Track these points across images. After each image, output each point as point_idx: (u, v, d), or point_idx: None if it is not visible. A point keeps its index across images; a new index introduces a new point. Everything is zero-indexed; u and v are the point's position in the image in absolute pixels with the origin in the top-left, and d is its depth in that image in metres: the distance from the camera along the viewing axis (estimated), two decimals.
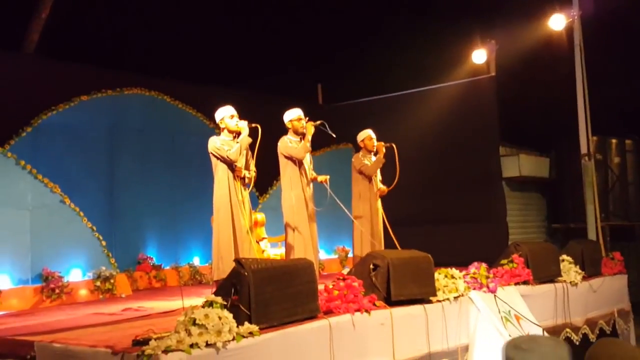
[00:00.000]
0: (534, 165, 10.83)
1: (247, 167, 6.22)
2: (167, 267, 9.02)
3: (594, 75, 9.17)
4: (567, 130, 9.90)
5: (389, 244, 7.48)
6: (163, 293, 7.91)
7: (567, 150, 9.89)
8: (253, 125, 6.16)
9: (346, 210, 7.29)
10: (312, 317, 4.22)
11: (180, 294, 6.43)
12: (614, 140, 10.96)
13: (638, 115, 13.39)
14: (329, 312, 4.40)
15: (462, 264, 6.02)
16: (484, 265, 5.95)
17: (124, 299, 7.55)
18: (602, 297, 7.45)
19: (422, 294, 5.10)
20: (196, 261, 9.37)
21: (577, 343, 6.58)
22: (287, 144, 6.63)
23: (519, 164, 10.50)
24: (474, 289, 5.70)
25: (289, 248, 6.61)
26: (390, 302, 4.80)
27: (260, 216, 7.81)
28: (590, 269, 7.45)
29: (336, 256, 10.70)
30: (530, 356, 1.84)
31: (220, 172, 6.07)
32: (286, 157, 6.63)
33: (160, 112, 9.32)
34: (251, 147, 6.22)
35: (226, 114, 6.23)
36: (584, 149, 8.96)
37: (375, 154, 7.80)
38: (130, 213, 8.76)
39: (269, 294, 3.93)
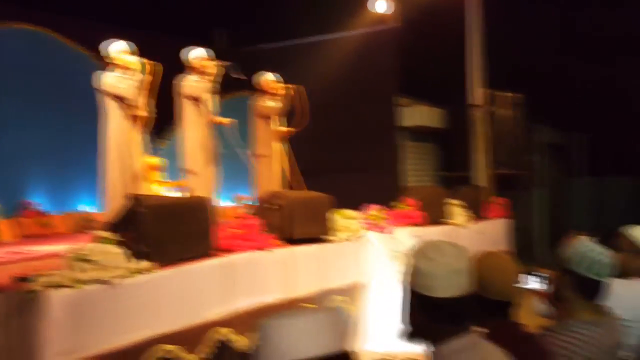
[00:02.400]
0: (430, 116, 11.14)
1: (143, 108, 5.87)
2: (56, 214, 8.60)
3: (487, 31, 9.45)
4: (461, 83, 10.20)
5: (292, 186, 7.47)
6: (51, 239, 7.55)
7: (460, 103, 10.19)
8: (153, 62, 5.79)
9: (246, 153, 7.18)
10: (209, 254, 4.17)
11: (69, 240, 6.14)
12: (502, 94, 11.43)
13: (526, 70, 14.00)
14: (228, 251, 4.36)
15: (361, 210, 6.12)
16: (378, 207, 6.08)
17: (9, 244, 7.16)
18: (488, 238, 7.84)
19: (321, 234, 5.16)
20: (86, 207, 8.98)
21: None
22: (189, 83, 6.37)
23: (416, 115, 10.74)
24: (371, 229, 5.83)
25: (187, 192, 6.45)
26: (290, 241, 4.81)
27: (157, 160, 7.55)
28: (478, 212, 7.81)
29: (236, 203, 10.58)
30: (436, 265, 1.86)
31: (112, 111, 5.69)
32: (187, 97, 6.37)
33: (46, 50, 8.72)
34: (151, 86, 5.83)
35: (121, 49, 5.82)
36: (475, 101, 9.28)
37: (277, 97, 7.70)
38: (14, 157, 8.22)
39: (165, 231, 3.83)
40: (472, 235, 7.46)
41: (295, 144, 7.98)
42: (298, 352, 1.39)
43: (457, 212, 7.35)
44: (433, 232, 6.71)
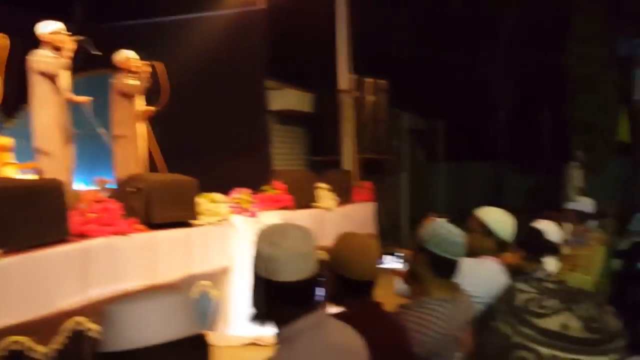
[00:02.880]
0: (299, 100, 11.19)
1: None
2: None
3: (354, 16, 9.60)
4: (330, 68, 10.31)
5: (154, 168, 7.21)
6: None
7: (328, 87, 10.30)
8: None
9: (105, 133, 6.85)
10: (64, 240, 3.93)
11: None
12: (369, 80, 11.72)
13: (390, 56, 14.43)
14: (84, 236, 4.13)
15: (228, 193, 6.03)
16: (246, 191, 6.03)
17: None
18: (355, 221, 8.02)
19: (185, 218, 5.02)
20: None
21: None
22: (43, 59, 5.95)
23: (285, 99, 10.74)
24: (237, 213, 5.76)
25: (40, 174, 6.04)
26: (151, 225, 4.65)
27: (5, 140, 7.01)
28: (344, 196, 7.96)
29: (97, 187, 10.09)
30: (280, 250, 1.85)
31: None
32: (40, 73, 5.94)
33: None
34: None
35: None
36: (343, 86, 9.43)
37: (137, 75, 7.38)
38: None
39: (13, 215, 3.57)
40: (339, 218, 7.59)
41: (161, 126, 7.72)
42: (144, 337, 1.32)
43: (325, 195, 7.45)
44: (301, 216, 6.75)
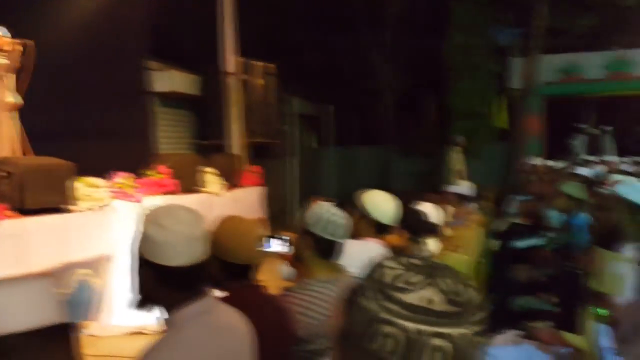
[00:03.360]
0: (184, 82, 10.89)
1: None
2: None
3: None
4: (216, 50, 10.11)
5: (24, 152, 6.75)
6: None
7: (214, 70, 10.10)
8: None
9: None
10: None
11: None
12: (256, 63, 11.59)
13: (281, 40, 14.39)
14: None
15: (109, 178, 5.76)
16: (128, 175, 5.79)
17: None
18: (242, 206, 7.92)
19: (60, 203, 4.74)
20: None
21: None
22: None
23: (168, 80, 10.42)
24: (119, 198, 5.52)
25: None
26: (23, 211, 4.35)
27: None
28: (232, 180, 7.85)
29: None
30: (169, 233, 1.77)
31: None
32: None
33: None
34: None
35: None
36: (230, 69, 9.27)
37: (4, 53, 6.86)
38: None
39: None
40: (226, 203, 7.47)
41: (36, 108, 7.23)
42: (3, 324, 1.25)
43: (212, 180, 7.31)
44: (187, 201, 6.58)
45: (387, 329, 0.92)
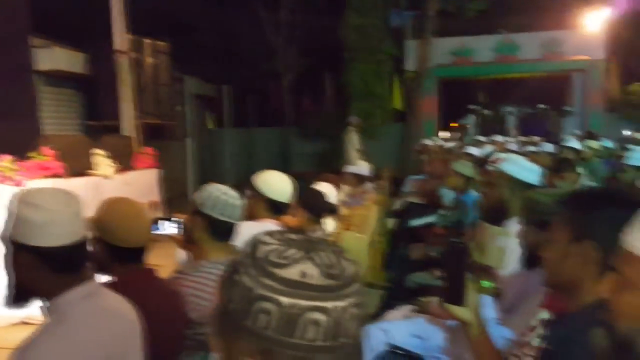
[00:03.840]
0: (71, 61, 10.35)
1: None
2: None
3: None
4: (105, 27, 9.67)
5: None
6: None
7: (103, 47, 9.65)
8: None
9: None
10: None
11: None
12: (147, 41, 11.20)
13: (174, 17, 13.99)
14: None
15: None
16: (10, 157, 5.45)
17: None
18: (136, 189, 7.68)
19: None
20: None
21: None
22: None
23: (54, 58, 9.88)
24: (0, 182, 5.19)
25: None
26: None
27: None
28: (124, 163, 7.59)
29: None
30: (44, 213, 1.65)
31: None
32: None
33: None
34: None
35: None
36: (119, 47, 8.90)
37: None
38: None
39: None
40: (119, 186, 7.21)
41: None
42: None
43: (102, 162, 7.02)
44: (75, 184, 6.28)
45: (263, 304, 0.91)
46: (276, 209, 3.27)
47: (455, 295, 1.95)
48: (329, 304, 0.90)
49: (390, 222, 7.53)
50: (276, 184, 3.27)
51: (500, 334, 2.56)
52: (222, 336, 0.96)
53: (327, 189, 4.55)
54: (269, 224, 3.24)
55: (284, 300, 0.90)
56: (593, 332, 1.33)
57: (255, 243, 0.97)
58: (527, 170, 3.47)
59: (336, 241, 4.20)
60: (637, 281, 1.27)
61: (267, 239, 0.97)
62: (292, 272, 0.91)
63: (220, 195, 2.59)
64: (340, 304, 0.91)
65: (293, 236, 0.97)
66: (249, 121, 18.04)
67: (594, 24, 15.65)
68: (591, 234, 1.70)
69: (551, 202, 2.29)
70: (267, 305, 0.90)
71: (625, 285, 1.30)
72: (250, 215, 3.27)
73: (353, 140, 13.91)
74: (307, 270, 0.91)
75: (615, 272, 1.32)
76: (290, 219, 3.77)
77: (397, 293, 4.65)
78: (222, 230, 2.59)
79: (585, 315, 1.61)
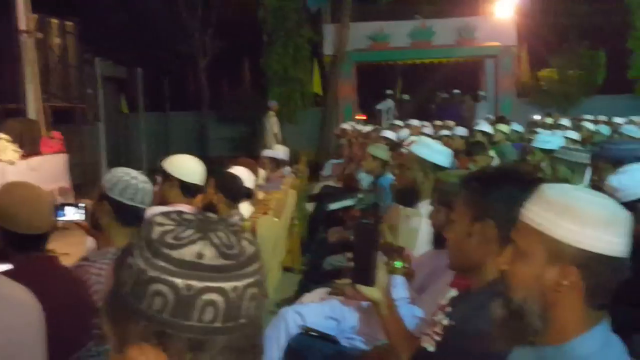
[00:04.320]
0: None
1: None
2: None
3: None
4: (6, 6, 9.16)
5: None
6: None
7: (5, 27, 9.13)
8: None
9: None
10: None
11: None
12: (54, 20, 10.68)
13: None
14: None
15: None
16: None
17: None
18: (42, 175, 7.36)
19: None
20: None
21: None
22: None
23: None
24: None
25: None
26: None
27: None
28: (29, 148, 7.27)
29: None
30: None
31: None
32: None
33: None
34: None
35: None
36: (23, 27, 8.46)
37: None
38: None
39: None
40: (23, 172, 6.90)
41: None
42: None
43: (6, 147, 6.69)
44: None
45: (157, 287, 0.88)
46: (188, 191, 3.20)
47: (364, 275, 1.96)
48: (226, 285, 0.88)
49: (309, 206, 7.55)
50: (186, 165, 3.20)
51: (412, 313, 2.61)
52: (115, 322, 0.93)
53: (243, 173, 4.53)
54: (182, 209, 3.16)
55: (179, 282, 0.87)
56: (492, 305, 1.37)
57: (149, 224, 0.93)
58: (437, 153, 3.54)
59: (252, 225, 4.17)
60: (529, 251, 1.32)
61: (162, 220, 0.94)
62: (187, 253, 0.88)
63: (130, 180, 2.53)
64: (238, 284, 0.89)
65: (190, 217, 0.95)
66: (164, 105, 17.62)
67: (505, 11, 16.13)
68: (491, 214, 1.74)
69: (458, 183, 2.35)
70: (162, 287, 0.87)
71: (518, 256, 1.34)
72: (162, 201, 3.19)
73: (272, 125, 13.85)
74: (203, 250, 0.89)
75: (511, 244, 1.37)
76: (204, 202, 3.72)
77: (314, 276, 4.68)
78: (131, 216, 2.51)
79: (486, 291, 1.65)
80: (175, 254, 0.89)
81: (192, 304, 0.87)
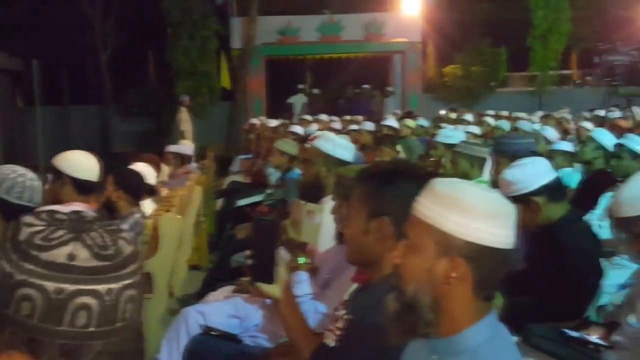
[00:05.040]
0: None
1: None
2: None
3: None
4: None
5: None
6: None
7: None
8: None
9: None
10: None
11: None
12: None
13: None
14: None
15: None
16: None
17: None
18: None
19: None
20: None
21: None
22: None
23: None
24: None
25: None
26: None
27: None
28: None
29: None
30: None
31: None
32: None
33: None
34: None
35: None
36: None
37: None
38: None
39: None
40: None
41: None
42: None
43: None
44: None
45: (25, 291, 0.85)
46: (82, 189, 3.05)
47: (264, 273, 1.94)
48: (100, 287, 0.86)
49: (217, 203, 7.43)
50: (78, 162, 3.05)
51: (316, 309, 2.60)
52: None
53: (144, 170, 4.41)
54: (77, 207, 3.02)
55: (49, 285, 0.84)
56: (387, 298, 1.38)
57: (17, 225, 0.90)
58: (340, 148, 3.56)
59: (154, 223, 4.04)
60: (420, 245, 1.34)
61: (33, 220, 0.91)
62: (57, 255, 0.86)
63: (17, 178, 2.40)
64: (114, 286, 0.87)
65: (63, 216, 0.91)
66: (63, 98, 16.88)
67: (411, 8, 16.46)
68: (386, 210, 1.76)
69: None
70: (30, 291, 0.84)
71: (410, 250, 1.36)
72: (56, 199, 3.04)
73: (184, 120, 13.57)
74: (75, 252, 0.86)
75: (403, 239, 1.38)
76: (95, 202, 3.58)
77: (220, 274, 4.61)
78: (19, 216, 2.36)
79: (384, 285, 1.66)
80: (44, 256, 0.85)
81: (63, 309, 0.84)
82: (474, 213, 1.29)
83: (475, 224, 1.29)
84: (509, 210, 1.33)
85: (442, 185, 1.35)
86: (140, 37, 16.03)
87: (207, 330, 2.69)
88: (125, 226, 3.95)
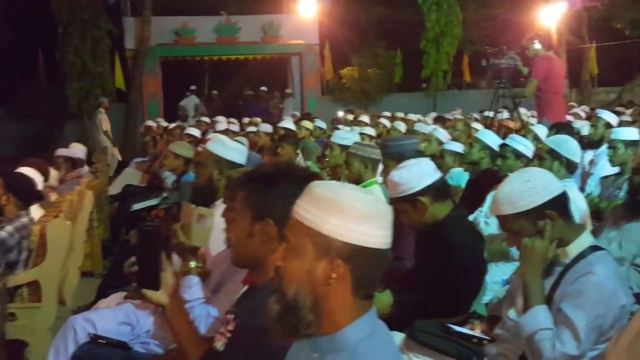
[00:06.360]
0: None
1: None
2: None
3: None
4: None
5: None
6: None
7: None
8: None
9: None
10: None
11: None
12: None
13: None
14: None
15: None
16: None
17: None
18: None
19: None
20: None
21: None
22: None
23: None
24: None
25: None
26: None
27: None
28: None
29: None
30: None
31: None
32: None
33: None
34: None
35: None
36: None
37: None
38: None
39: None
40: None
41: None
42: None
43: None
44: None
45: None
46: None
47: (150, 280, 1.91)
48: None
49: (110, 207, 7.21)
50: None
51: (207, 313, 2.58)
52: None
53: (32, 174, 4.25)
54: None
55: None
56: (270, 300, 1.39)
57: None
58: (232, 150, 3.54)
59: (41, 229, 3.88)
60: (300, 247, 1.37)
61: None
62: None
63: None
64: None
65: None
66: None
67: (308, 10, 16.56)
68: (269, 212, 1.78)
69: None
70: None
71: (290, 252, 1.39)
72: None
73: (102, 122, 13.03)
74: None
75: (284, 241, 1.40)
76: None
77: (114, 280, 4.48)
78: None
79: (268, 287, 1.68)
80: None
81: None
82: (351, 215, 1.33)
83: (352, 226, 1.32)
84: (385, 211, 1.38)
85: (320, 188, 1.38)
86: (29, 37, 15.26)
87: (95, 339, 2.61)
88: (9, 228, 3.80)
